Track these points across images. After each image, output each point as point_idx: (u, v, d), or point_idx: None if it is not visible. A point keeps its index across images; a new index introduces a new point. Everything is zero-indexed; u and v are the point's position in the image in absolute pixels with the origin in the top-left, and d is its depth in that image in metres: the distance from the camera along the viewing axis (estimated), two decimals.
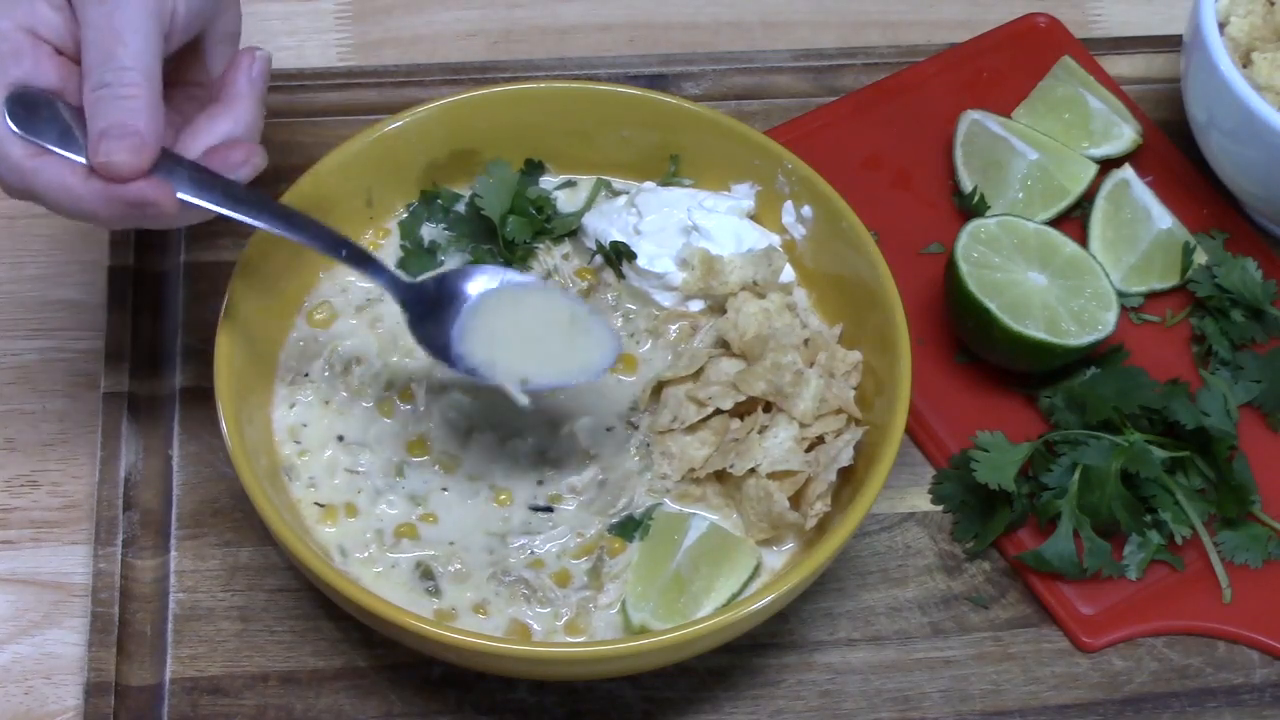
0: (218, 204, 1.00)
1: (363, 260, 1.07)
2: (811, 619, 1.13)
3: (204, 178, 1.00)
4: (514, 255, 1.17)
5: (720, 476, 1.10)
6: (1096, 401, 1.16)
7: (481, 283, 1.08)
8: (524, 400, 1.05)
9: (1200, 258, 1.25)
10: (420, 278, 1.11)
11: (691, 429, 1.11)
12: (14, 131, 0.97)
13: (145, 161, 0.96)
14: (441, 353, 1.06)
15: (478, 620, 1.05)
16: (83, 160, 0.97)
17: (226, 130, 1.02)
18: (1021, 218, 1.22)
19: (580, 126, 1.19)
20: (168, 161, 0.99)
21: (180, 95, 1.06)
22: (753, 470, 1.08)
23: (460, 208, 1.19)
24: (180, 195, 0.98)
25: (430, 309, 1.07)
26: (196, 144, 1.01)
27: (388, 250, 1.18)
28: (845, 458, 1.08)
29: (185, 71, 1.07)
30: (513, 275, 1.09)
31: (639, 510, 1.10)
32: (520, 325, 1.07)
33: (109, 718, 1.06)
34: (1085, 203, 1.28)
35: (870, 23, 1.42)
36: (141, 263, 1.22)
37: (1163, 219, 1.27)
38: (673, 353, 1.15)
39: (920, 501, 1.18)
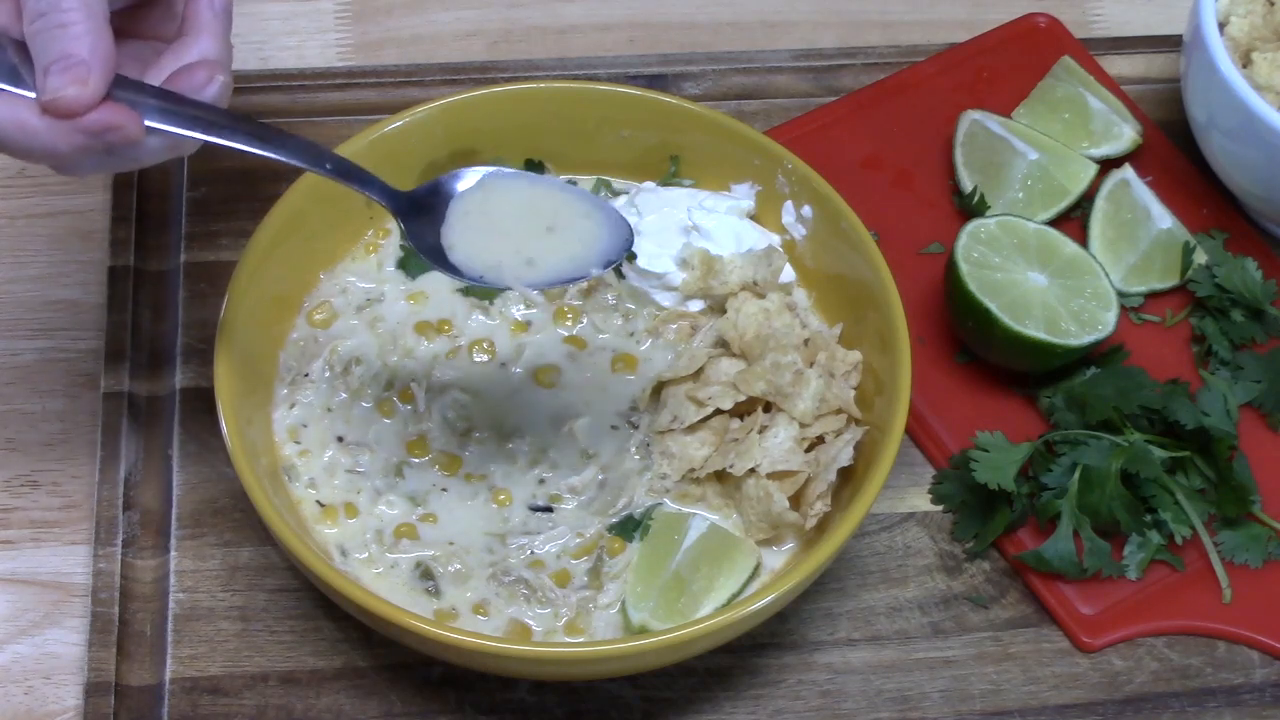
0: (188, 127, 0.94)
1: (350, 172, 1.01)
2: (811, 619, 1.13)
3: (170, 102, 0.94)
4: None
5: (720, 476, 1.10)
6: (1096, 401, 1.16)
7: (471, 179, 1.03)
8: (534, 295, 1.02)
9: (1200, 258, 1.25)
10: (417, 188, 1.04)
11: (691, 429, 1.11)
12: None
13: (94, 92, 0.90)
14: (442, 263, 1.01)
15: (478, 620, 1.05)
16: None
17: (192, 60, 0.96)
18: (1021, 218, 1.22)
19: (580, 126, 1.19)
20: (130, 89, 0.93)
21: (147, 50, 1.00)
22: (752, 470, 1.08)
23: None
24: (147, 122, 0.92)
25: (427, 218, 1.02)
26: (160, 75, 0.96)
27: (388, 250, 1.18)
28: (845, 458, 1.08)
29: (151, 25, 1.01)
30: (503, 169, 1.04)
31: (639, 510, 1.10)
32: (516, 217, 1.02)
33: (109, 718, 1.06)
34: (1085, 203, 1.28)
35: (870, 23, 1.42)
36: (141, 263, 1.22)
37: (1163, 219, 1.27)
38: (673, 353, 1.15)
39: (920, 501, 1.18)
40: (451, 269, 1.01)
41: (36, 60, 0.91)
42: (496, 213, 1.02)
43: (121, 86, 0.93)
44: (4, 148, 0.93)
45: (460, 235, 1.02)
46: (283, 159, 0.98)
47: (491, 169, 1.04)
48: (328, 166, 1.00)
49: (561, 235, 1.03)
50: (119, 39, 0.94)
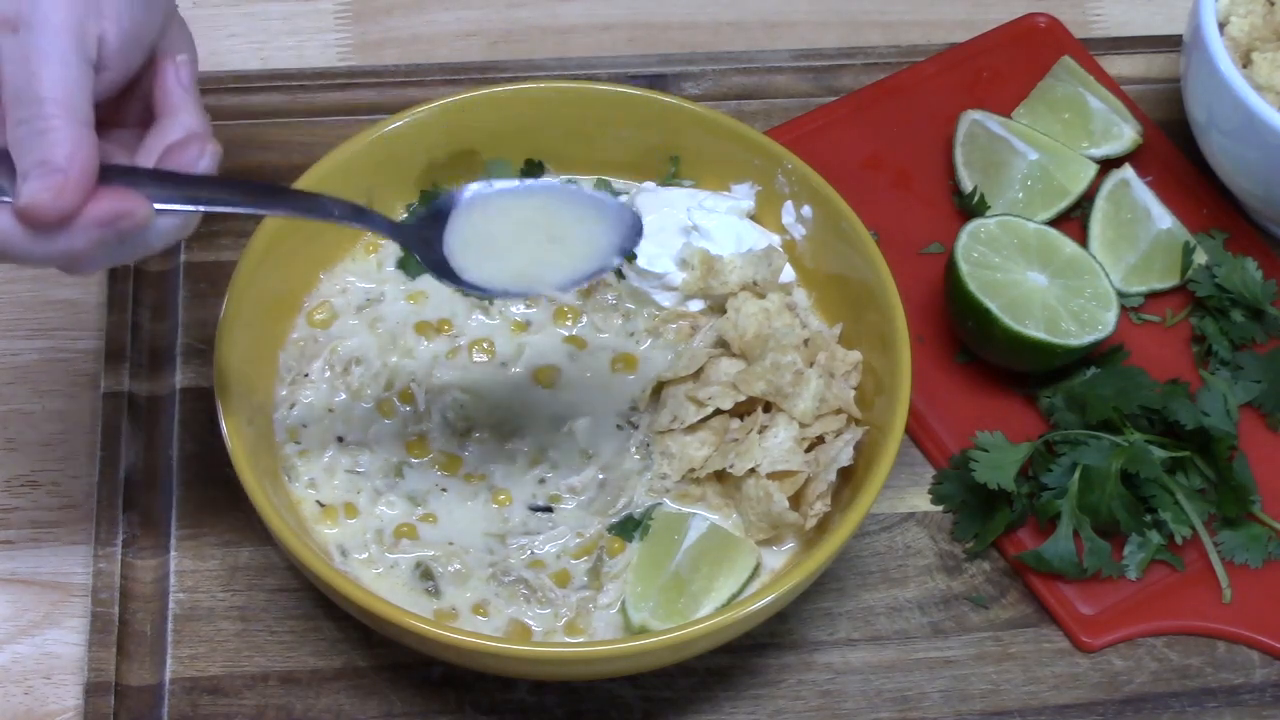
0: (194, 201, 0.93)
1: (358, 215, 1.01)
2: (811, 619, 1.13)
3: (169, 181, 0.93)
4: None
5: (720, 476, 1.10)
6: (1096, 401, 1.16)
7: (462, 197, 1.03)
8: (567, 296, 1.03)
9: (1200, 258, 1.25)
10: (417, 215, 1.02)
11: (691, 429, 1.11)
12: None
13: (70, 199, 0.87)
14: (464, 284, 1.01)
15: (477, 620, 1.05)
16: None
17: (175, 139, 0.95)
18: (1021, 218, 1.22)
19: (580, 126, 1.19)
20: (126, 175, 0.92)
21: (130, 136, 0.98)
22: (752, 470, 1.08)
23: None
24: (155, 205, 0.91)
25: (436, 243, 1.02)
26: (150, 158, 0.95)
27: (388, 250, 1.18)
28: (845, 458, 1.08)
29: (130, 111, 0.99)
30: (487, 185, 1.04)
31: (639, 510, 1.10)
32: (516, 234, 1.02)
33: (109, 718, 1.06)
34: (1085, 203, 1.28)
35: (870, 23, 1.42)
36: (141, 262, 1.22)
37: (1163, 219, 1.27)
38: (673, 353, 1.15)
39: (920, 501, 1.18)
40: (473, 288, 1.01)
41: (17, 165, 0.89)
42: (496, 232, 1.02)
43: (119, 174, 0.92)
44: (16, 260, 0.90)
45: (469, 258, 1.01)
46: (291, 215, 1.00)
47: (478, 186, 1.03)
48: (336, 214, 1.00)
49: (566, 243, 1.03)
50: (105, 129, 0.94)
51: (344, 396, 1.12)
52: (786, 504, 1.07)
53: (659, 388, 1.13)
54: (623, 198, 1.20)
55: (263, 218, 1.10)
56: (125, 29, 0.92)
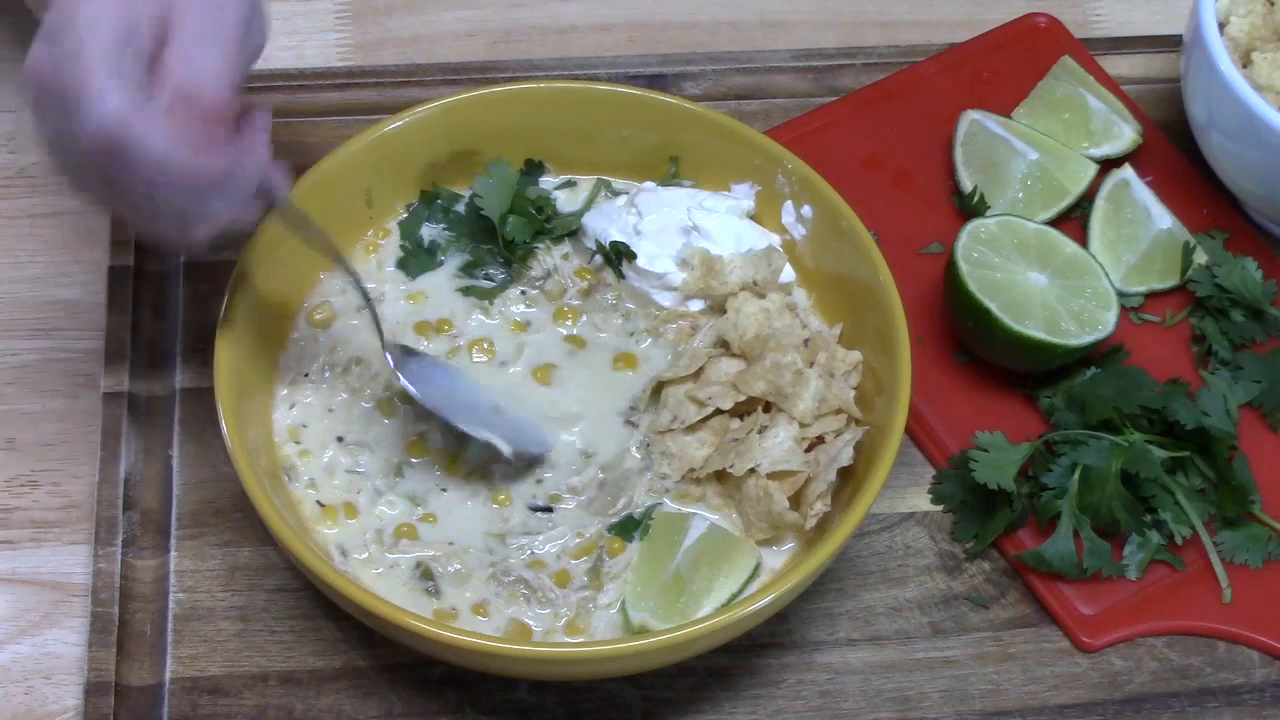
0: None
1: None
2: (811, 619, 1.13)
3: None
4: (514, 255, 1.17)
5: (720, 476, 1.10)
6: (1096, 401, 1.16)
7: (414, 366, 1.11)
8: (507, 450, 1.08)
9: (1200, 258, 1.25)
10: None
11: (691, 429, 1.11)
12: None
13: (223, 89, 0.94)
14: (419, 398, 1.09)
15: (477, 620, 1.05)
16: None
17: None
18: (1021, 218, 1.22)
19: (580, 126, 1.19)
20: None
21: None
22: (753, 470, 1.08)
23: (460, 208, 1.19)
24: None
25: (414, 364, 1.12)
26: None
27: (388, 250, 1.18)
28: (845, 458, 1.08)
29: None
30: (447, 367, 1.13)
31: (639, 510, 1.10)
32: (471, 394, 1.11)
33: (109, 718, 1.06)
34: (1085, 203, 1.28)
35: (870, 23, 1.42)
36: (141, 263, 1.22)
37: (1163, 219, 1.27)
38: (673, 353, 1.15)
39: (920, 501, 1.18)
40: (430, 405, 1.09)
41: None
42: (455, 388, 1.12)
43: None
44: (142, 168, 0.93)
45: (430, 393, 1.09)
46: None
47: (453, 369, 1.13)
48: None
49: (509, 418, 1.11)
50: None
51: (344, 396, 1.12)
52: (786, 504, 1.07)
53: (659, 388, 1.13)
54: (622, 198, 1.20)
55: (263, 219, 1.10)
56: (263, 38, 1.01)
